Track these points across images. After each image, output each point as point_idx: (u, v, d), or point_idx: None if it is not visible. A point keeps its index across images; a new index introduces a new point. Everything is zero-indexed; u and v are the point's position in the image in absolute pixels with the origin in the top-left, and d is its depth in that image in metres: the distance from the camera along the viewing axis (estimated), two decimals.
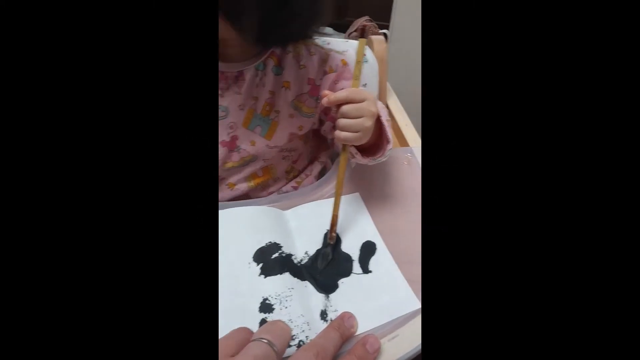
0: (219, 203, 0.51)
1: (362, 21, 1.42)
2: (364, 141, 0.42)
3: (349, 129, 0.41)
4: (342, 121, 0.41)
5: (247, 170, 0.51)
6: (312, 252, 0.41)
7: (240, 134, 0.49)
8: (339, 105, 0.41)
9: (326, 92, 0.42)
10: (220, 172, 0.51)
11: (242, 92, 0.47)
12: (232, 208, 0.44)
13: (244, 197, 0.53)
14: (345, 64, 0.50)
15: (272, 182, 0.54)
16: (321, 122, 0.53)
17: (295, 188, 0.55)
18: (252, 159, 0.50)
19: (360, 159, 0.47)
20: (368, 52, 0.60)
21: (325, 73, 0.49)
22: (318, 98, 0.49)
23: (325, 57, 0.49)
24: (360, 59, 0.42)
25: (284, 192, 0.54)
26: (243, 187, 0.52)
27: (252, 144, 0.49)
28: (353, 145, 0.43)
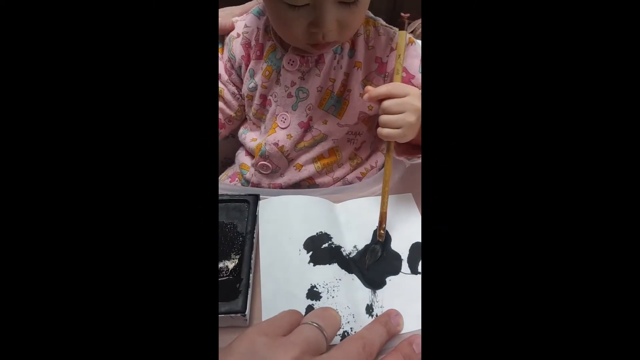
0: (277, 189, 0.53)
1: (420, 22, 1.39)
2: (409, 138, 0.41)
3: (390, 125, 0.40)
4: (383, 117, 0.40)
5: (316, 150, 0.52)
6: (360, 246, 0.41)
7: (315, 114, 0.51)
8: (381, 100, 0.40)
9: (368, 87, 0.41)
10: (292, 153, 0.52)
11: (322, 75, 0.49)
12: (286, 195, 0.45)
13: (308, 181, 0.54)
14: (412, 42, 0.51)
15: (336, 167, 0.55)
16: None
17: (359, 179, 0.55)
18: (323, 138, 0.52)
19: (395, 155, 0.45)
20: None
21: (392, 50, 0.50)
22: (385, 75, 0.50)
23: (392, 35, 0.50)
24: (402, 52, 0.41)
25: (349, 183, 0.55)
26: (310, 168, 0.53)
27: (325, 122, 0.51)
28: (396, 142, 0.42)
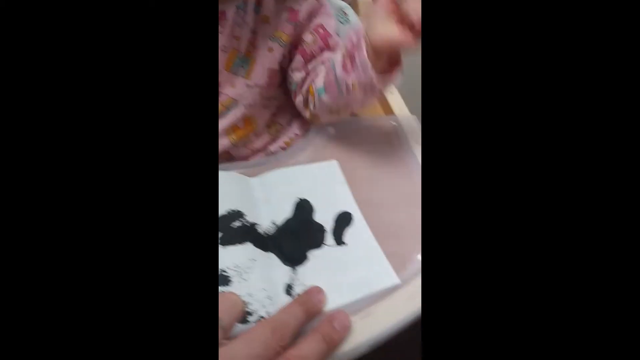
0: None
1: None
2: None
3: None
4: None
5: (227, 120, 0.46)
6: (279, 222, 0.37)
7: (222, 78, 0.45)
8: None
9: None
10: None
11: (224, 33, 0.44)
12: None
13: (225, 156, 0.48)
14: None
15: (253, 137, 0.49)
16: (291, 58, 0.48)
17: (284, 149, 0.50)
18: (232, 104, 0.46)
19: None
20: (350, 12, 0.55)
21: None
22: (297, 23, 0.45)
23: None
24: None
25: (272, 154, 0.50)
26: (224, 142, 0.47)
27: (232, 86, 0.46)
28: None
